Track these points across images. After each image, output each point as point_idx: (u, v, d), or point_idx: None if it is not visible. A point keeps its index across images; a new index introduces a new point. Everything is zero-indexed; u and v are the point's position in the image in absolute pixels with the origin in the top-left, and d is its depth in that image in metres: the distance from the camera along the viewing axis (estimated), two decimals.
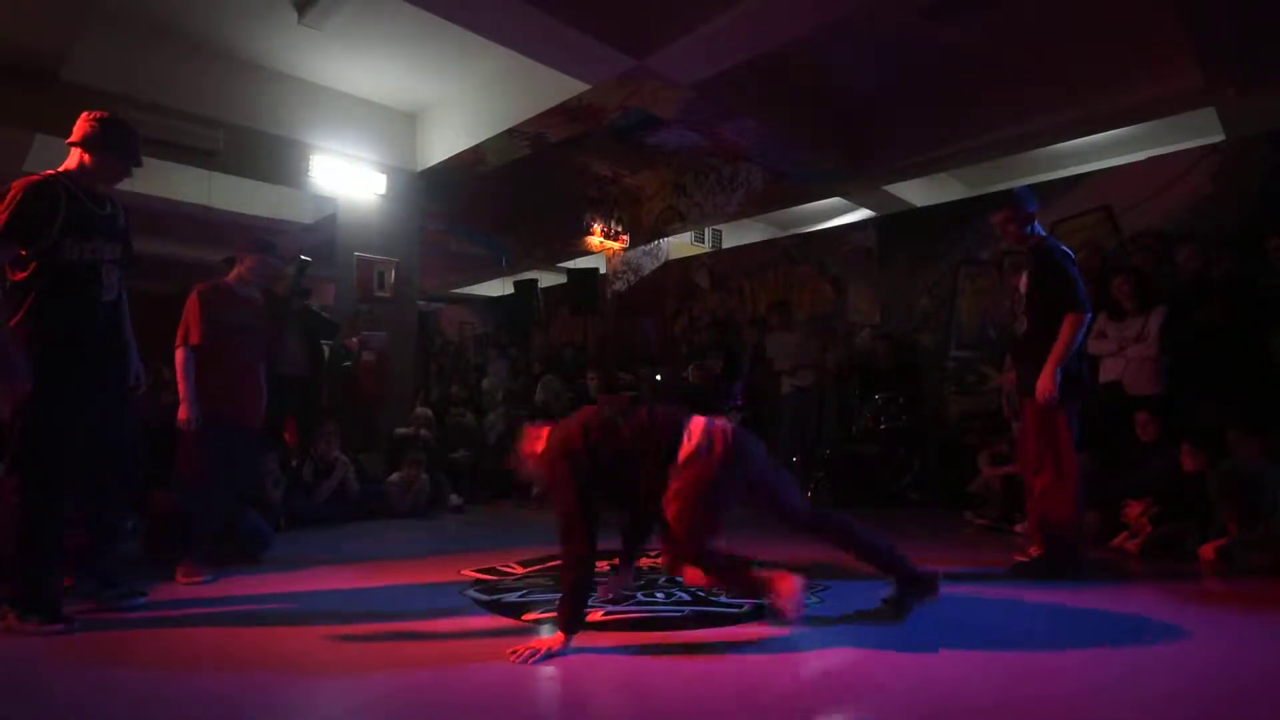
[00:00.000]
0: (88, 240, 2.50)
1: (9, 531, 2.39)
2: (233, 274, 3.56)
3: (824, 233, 8.28)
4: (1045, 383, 3.07)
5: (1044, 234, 3.34)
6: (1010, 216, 3.28)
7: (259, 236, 3.76)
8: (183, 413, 3.23)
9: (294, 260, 5.80)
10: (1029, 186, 3.42)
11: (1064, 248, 3.26)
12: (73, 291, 2.47)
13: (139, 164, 2.69)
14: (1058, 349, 3.07)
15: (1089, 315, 3.15)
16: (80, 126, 2.57)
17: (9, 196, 2.37)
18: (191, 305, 3.35)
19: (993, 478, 4.80)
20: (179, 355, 3.28)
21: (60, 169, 2.54)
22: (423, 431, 6.41)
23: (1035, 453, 3.21)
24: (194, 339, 3.30)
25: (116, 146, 2.59)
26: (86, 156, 2.56)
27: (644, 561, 3.51)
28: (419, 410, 6.86)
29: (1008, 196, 3.37)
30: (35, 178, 2.44)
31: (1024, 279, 3.32)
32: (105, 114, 2.62)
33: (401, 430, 6.37)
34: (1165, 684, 1.91)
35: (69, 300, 2.46)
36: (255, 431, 3.60)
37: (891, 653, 2.13)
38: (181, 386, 3.26)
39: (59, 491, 2.49)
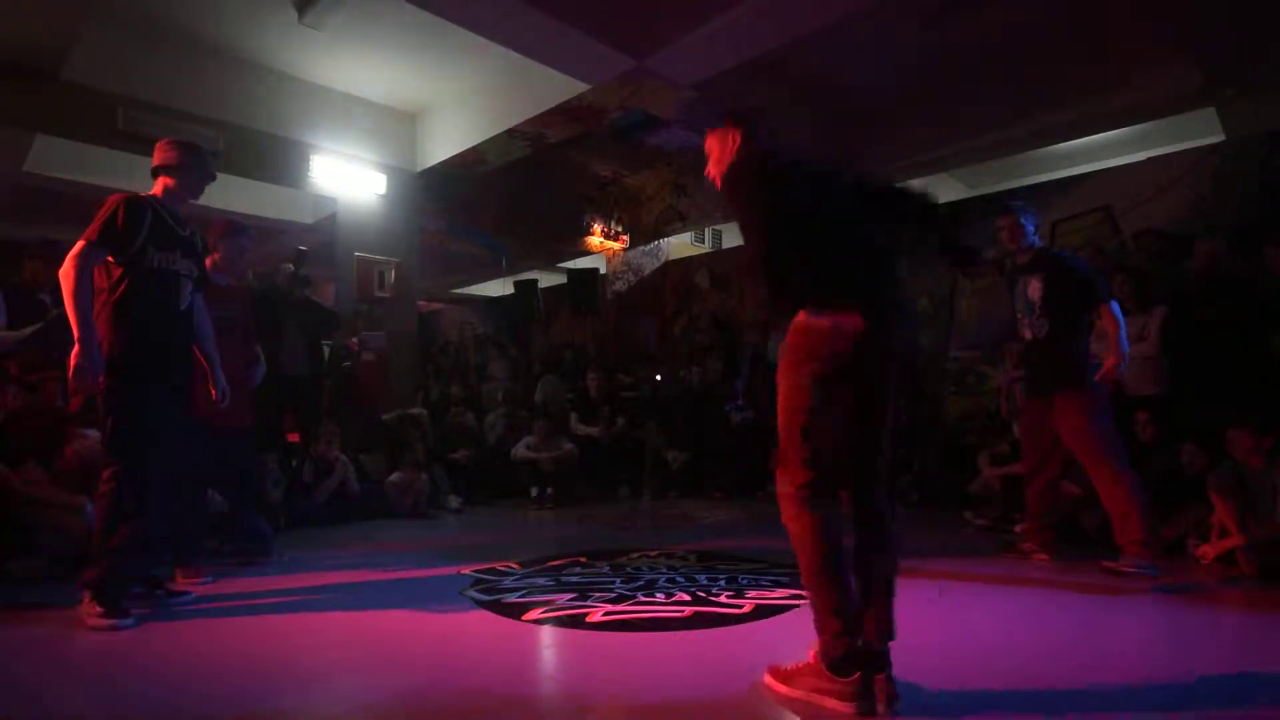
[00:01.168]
0: (168, 253, 2.73)
1: (99, 518, 2.54)
2: (207, 264, 3.37)
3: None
4: (1114, 366, 3.20)
5: (1042, 243, 3.55)
6: (1015, 221, 3.49)
7: (229, 220, 3.70)
8: None
9: (292, 251, 5.80)
10: (1024, 201, 3.69)
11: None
12: (154, 296, 2.68)
13: (214, 178, 2.95)
14: (1119, 334, 3.22)
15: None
16: (160, 153, 2.81)
17: (105, 208, 2.61)
18: None
19: (993, 478, 4.80)
20: None
21: (149, 194, 2.78)
22: (411, 410, 6.38)
23: (1094, 451, 3.22)
24: None
25: (195, 165, 2.85)
26: (170, 179, 2.80)
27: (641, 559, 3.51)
28: (415, 411, 6.82)
29: (1007, 206, 3.56)
30: (129, 195, 2.69)
31: (1035, 286, 3.42)
32: (177, 139, 2.89)
33: (389, 415, 6.32)
34: (1164, 685, 1.91)
35: (151, 302, 2.67)
36: (244, 429, 3.53)
37: (892, 653, 2.12)
38: None
39: (146, 485, 2.61)
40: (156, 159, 2.81)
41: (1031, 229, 3.50)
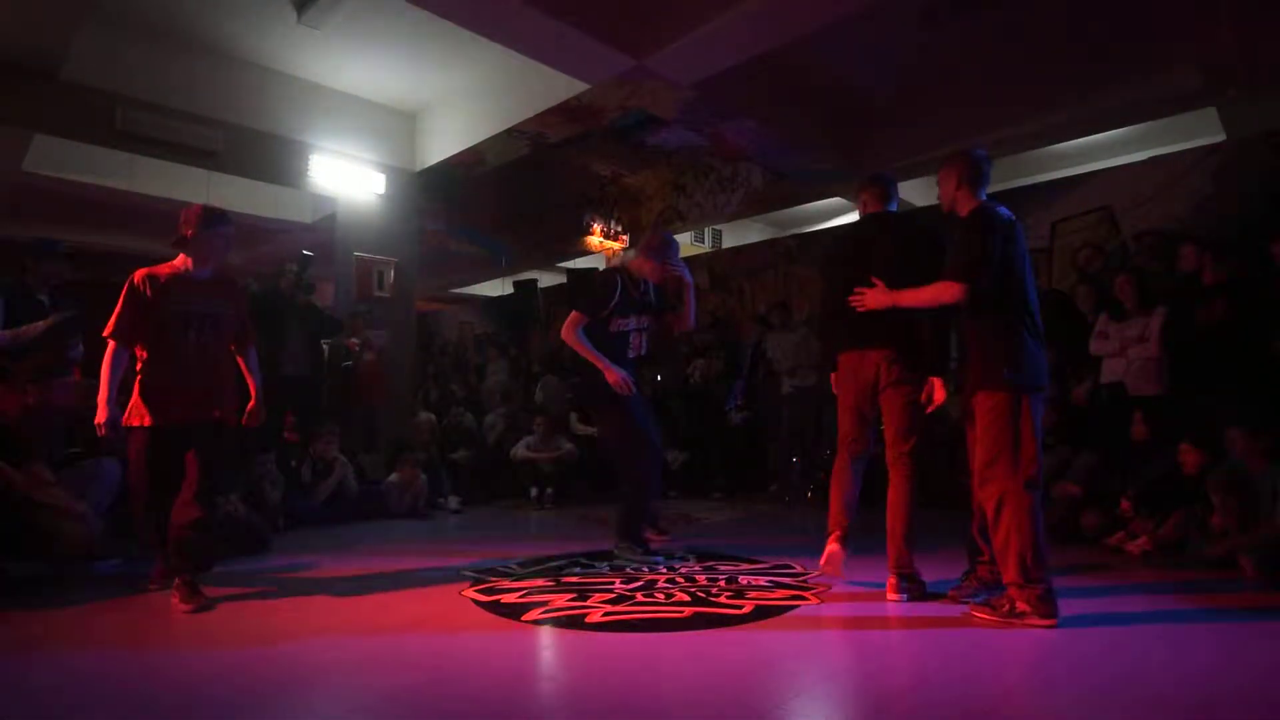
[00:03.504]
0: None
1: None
2: (178, 258, 2.94)
3: (824, 233, 8.28)
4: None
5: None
6: (950, 173, 2.83)
7: (206, 206, 3.00)
8: (99, 415, 2.71)
9: (298, 256, 5.80)
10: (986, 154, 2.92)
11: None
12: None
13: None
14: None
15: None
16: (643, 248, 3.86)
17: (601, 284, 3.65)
18: (121, 295, 2.81)
19: None
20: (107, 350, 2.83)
21: (615, 267, 3.88)
22: (420, 416, 6.44)
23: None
24: (107, 330, 2.77)
25: (665, 249, 3.89)
26: (647, 264, 3.85)
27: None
28: (422, 416, 6.81)
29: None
30: (609, 271, 3.80)
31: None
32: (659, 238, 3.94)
33: (405, 425, 6.35)
34: (1162, 686, 1.91)
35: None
36: (227, 424, 2.99)
37: (892, 654, 2.13)
38: (101, 386, 2.77)
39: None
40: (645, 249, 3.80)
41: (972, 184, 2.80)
